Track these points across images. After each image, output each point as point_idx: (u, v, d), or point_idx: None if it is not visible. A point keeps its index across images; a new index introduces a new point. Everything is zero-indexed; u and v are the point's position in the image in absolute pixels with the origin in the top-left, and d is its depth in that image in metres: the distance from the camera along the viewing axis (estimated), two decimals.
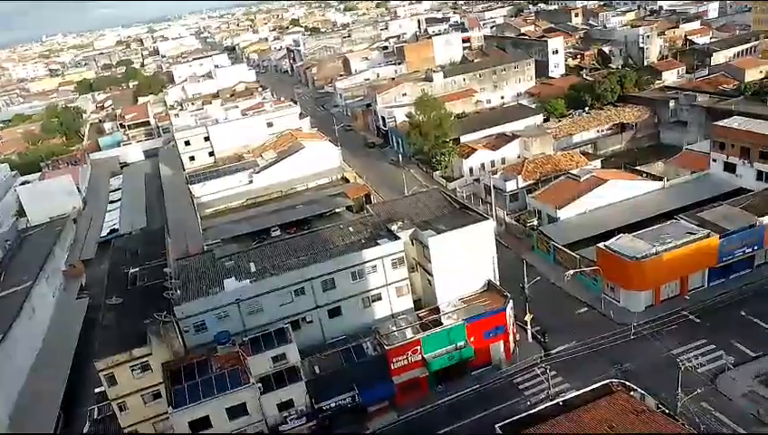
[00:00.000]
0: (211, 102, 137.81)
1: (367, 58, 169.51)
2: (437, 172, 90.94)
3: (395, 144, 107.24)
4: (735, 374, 44.10)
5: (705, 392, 41.61)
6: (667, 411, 35.58)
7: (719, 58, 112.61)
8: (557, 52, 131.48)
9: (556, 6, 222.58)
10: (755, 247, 55.16)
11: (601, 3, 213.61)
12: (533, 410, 37.61)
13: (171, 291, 48.03)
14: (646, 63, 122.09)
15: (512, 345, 50.77)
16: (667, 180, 70.01)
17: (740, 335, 48.08)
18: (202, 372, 43.95)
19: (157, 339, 44.19)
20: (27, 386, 51.66)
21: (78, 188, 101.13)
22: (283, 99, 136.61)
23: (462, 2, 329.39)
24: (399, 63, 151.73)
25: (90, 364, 46.28)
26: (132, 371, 43.36)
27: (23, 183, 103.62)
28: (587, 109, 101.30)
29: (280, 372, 44.16)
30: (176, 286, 48.87)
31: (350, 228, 56.16)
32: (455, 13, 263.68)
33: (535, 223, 69.17)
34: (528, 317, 51.68)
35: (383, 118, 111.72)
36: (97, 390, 47.85)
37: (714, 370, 45.01)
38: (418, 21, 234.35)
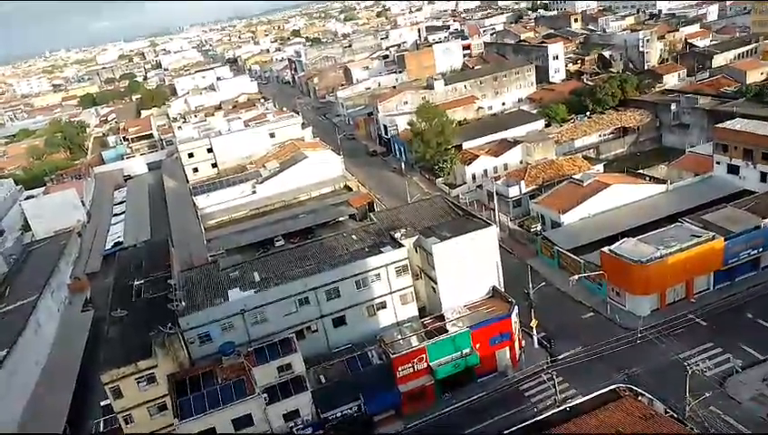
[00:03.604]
0: (214, 114, 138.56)
1: (368, 67, 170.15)
2: (440, 179, 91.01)
3: (397, 152, 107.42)
4: (744, 377, 43.78)
5: (714, 396, 41.34)
6: (675, 416, 35.40)
7: (720, 60, 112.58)
8: (557, 57, 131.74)
9: (556, 12, 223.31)
10: (761, 249, 54.88)
11: (601, 7, 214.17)
12: (541, 417, 37.46)
13: (176, 302, 48.12)
14: (646, 67, 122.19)
15: (518, 352, 50.54)
16: (671, 183, 69.86)
17: (747, 338, 47.76)
18: (207, 383, 43.93)
19: (162, 351, 44.19)
20: (33, 400, 51.65)
21: (82, 201, 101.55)
22: (285, 109, 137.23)
23: (463, 2, 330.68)
24: (400, 72, 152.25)
25: (95, 377, 46.27)
26: (138, 383, 43.29)
27: (27, 197, 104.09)
28: (588, 113, 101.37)
29: (285, 382, 44.11)
30: (180, 298, 48.96)
31: (354, 237, 56.25)
32: (454, 20, 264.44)
33: (539, 228, 69.01)
34: (533, 323, 51.49)
35: (385, 126, 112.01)
36: (103, 403, 47.89)
37: (721, 373, 44.68)
38: (418, 29, 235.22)
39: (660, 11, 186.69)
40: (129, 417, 43.66)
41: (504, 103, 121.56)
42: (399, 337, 48.91)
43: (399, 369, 46.16)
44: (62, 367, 56.22)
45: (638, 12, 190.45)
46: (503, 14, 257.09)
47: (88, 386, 54.06)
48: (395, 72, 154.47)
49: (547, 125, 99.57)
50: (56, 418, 49.12)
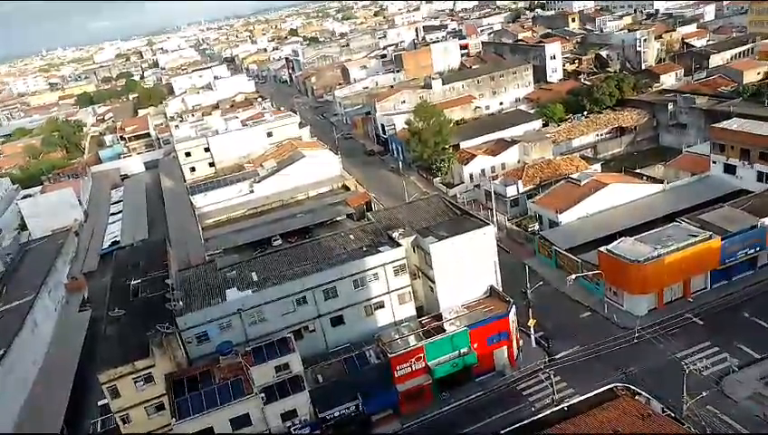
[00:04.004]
0: (211, 113, 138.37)
1: (365, 66, 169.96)
2: (438, 179, 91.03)
3: (395, 151, 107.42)
4: (740, 376, 43.92)
5: (711, 395, 41.40)
6: (672, 415, 35.49)
7: (717, 60, 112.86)
8: (555, 57, 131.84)
9: (553, 12, 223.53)
10: (758, 248, 55.03)
11: (598, 7, 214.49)
12: (538, 416, 37.49)
13: (173, 302, 48.01)
14: (643, 67, 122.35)
15: (515, 351, 50.61)
16: (668, 183, 70.02)
17: (744, 337, 47.93)
18: (205, 383, 43.90)
19: (159, 350, 44.11)
20: (30, 400, 51.53)
21: (79, 200, 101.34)
22: (282, 108, 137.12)
23: (460, 1, 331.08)
24: (398, 71, 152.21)
25: (93, 377, 46.18)
26: (135, 383, 43.15)
27: (24, 197, 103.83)
28: (586, 113, 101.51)
29: (283, 381, 44.06)
30: (178, 297, 48.87)
31: (352, 236, 56.20)
32: (452, 20, 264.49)
33: (536, 228, 69.12)
34: (531, 322, 51.55)
35: (382, 126, 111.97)
36: (100, 402, 47.79)
37: (718, 372, 44.84)
38: (416, 29, 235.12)
39: (657, 11, 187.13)
40: (126, 417, 43.53)
41: (501, 103, 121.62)
42: (397, 337, 48.92)
43: (397, 368, 46.19)
44: (60, 367, 56.10)
45: (635, 12, 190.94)
46: (500, 13, 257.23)
47: (85, 386, 53.97)
48: (392, 72, 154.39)
49: (545, 125, 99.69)
50: (53, 417, 49.03)
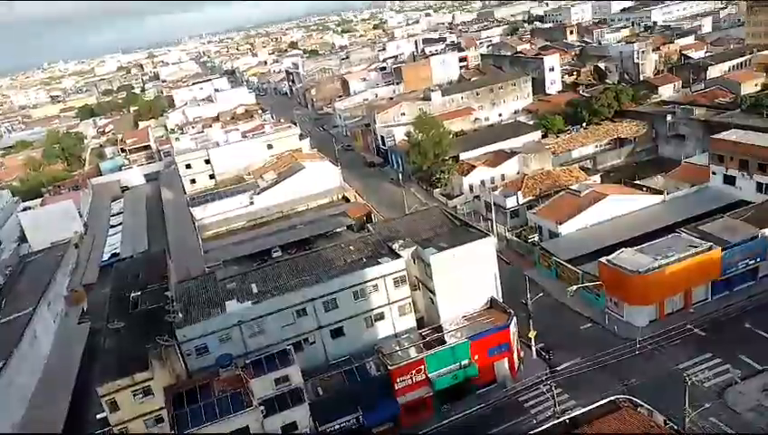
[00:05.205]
0: (211, 125, 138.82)
1: (365, 79, 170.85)
2: (437, 190, 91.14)
3: (394, 163, 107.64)
4: (743, 388, 43.66)
5: (713, 407, 41.17)
6: (674, 427, 35.19)
7: (714, 72, 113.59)
8: (553, 69, 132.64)
9: (551, 24, 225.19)
10: (758, 259, 54.98)
11: (596, 20, 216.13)
12: (540, 429, 37.21)
13: (173, 314, 47.87)
14: (642, 79, 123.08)
15: (516, 363, 50.38)
16: (667, 194, 70.08)
17: (746, 348, 47.68)
18: (204, 395, 43.66)
19: (159, 363, 43.94)
20: (29, 412, 51.18)
21: (79, 212, 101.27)
22: (282, 121, 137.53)
23: (460, 12, 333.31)
24: (398, 83, 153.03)
25: (92, 390, 45.88)
26: (134, 395, 42.81)
27: (24, 209, 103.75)
28: (585, 124, 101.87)
29: (283, 394, 43.78)
30: (177, 309, 48.72)
31: (352, 248, 56.15)
32: (451, 33, 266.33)
33: (536, 239, 69.07)
34: (532, 334, 51.37)
35: (382, 137, 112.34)
36: (99, 415, 47.39)
37: (721, 384, 44.57)
38: (415, 42, 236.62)
39: (655, 23, 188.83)
40: (125, 430, 43.19)
41: (500, 114, 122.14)
42: (398, 348, 48.73)
43: (398, 380, 45.95)
44: (59, 379, 55.79)
45: (633, 24, 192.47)
46: (499, 26, 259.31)
47: (84, 398, 53.58)
48: (392, 84, 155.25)
49: (544, 136, 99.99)
50: (52, 430, 48.63)
